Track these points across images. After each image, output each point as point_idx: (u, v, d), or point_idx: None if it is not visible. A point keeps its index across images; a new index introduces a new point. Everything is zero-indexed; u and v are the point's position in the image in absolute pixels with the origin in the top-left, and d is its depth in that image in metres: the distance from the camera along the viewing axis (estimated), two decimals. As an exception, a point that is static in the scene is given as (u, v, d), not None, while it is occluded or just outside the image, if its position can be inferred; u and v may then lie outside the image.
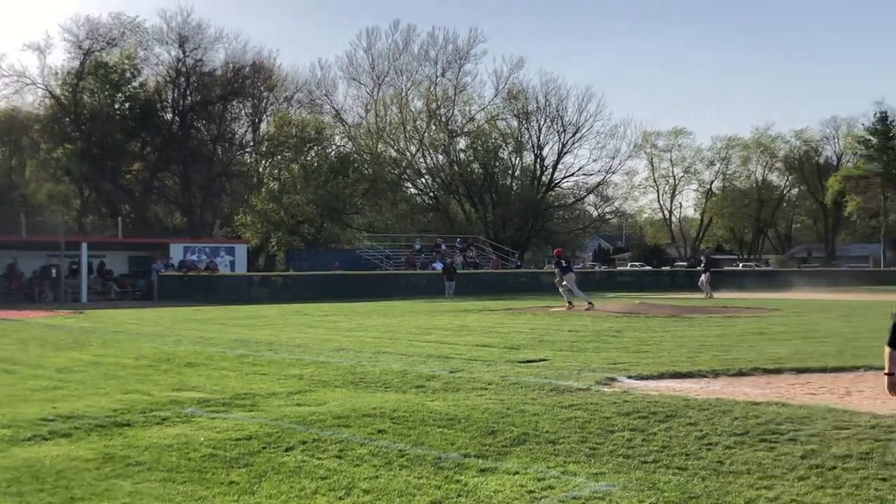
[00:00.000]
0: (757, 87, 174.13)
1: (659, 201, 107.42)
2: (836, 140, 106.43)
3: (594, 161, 79.92)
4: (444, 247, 54.65)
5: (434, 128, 75.20)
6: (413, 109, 76.91)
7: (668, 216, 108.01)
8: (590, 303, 27.71)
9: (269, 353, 15.28)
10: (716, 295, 37.91)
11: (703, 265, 42.89)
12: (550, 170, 78.86)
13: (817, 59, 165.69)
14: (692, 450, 7.40)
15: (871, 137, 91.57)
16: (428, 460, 7.18)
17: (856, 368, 12.35)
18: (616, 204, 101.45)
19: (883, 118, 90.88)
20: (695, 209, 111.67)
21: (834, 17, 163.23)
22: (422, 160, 77.05)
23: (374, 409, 9.35)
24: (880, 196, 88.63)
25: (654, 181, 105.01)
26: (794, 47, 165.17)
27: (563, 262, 30.60)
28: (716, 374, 11.98)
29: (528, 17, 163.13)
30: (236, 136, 71.21)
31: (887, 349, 6.08)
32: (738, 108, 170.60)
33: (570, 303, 28.30)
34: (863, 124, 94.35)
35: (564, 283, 28.98)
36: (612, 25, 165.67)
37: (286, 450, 7.65)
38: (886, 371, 6.10)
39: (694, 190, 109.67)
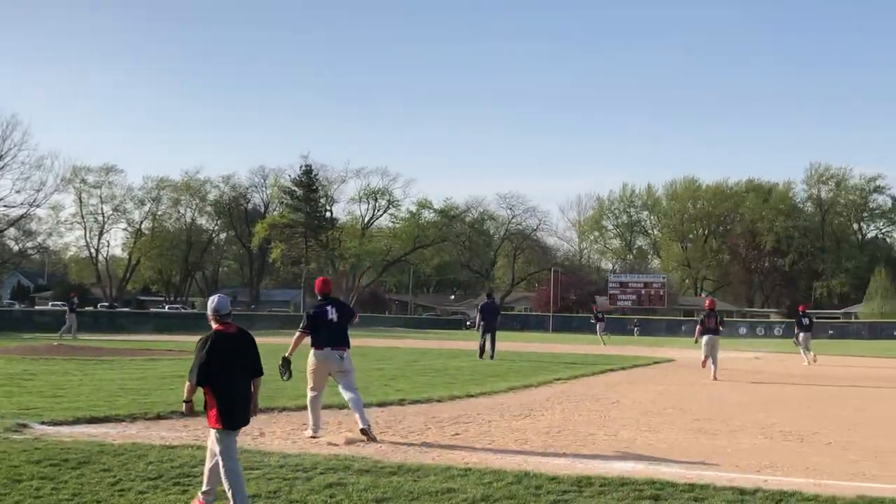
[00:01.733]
0: (193, 130, 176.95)
1: (86, 239, 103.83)
2: (264, 189, 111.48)
3: (17, 192, 75.23)
4: None
5: None
6: None
7: (94, 255, 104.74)
8: None
9: None
10: (139, 337, 37.36)
11: (71, 304, 40.08)
12: (-35, 200, 72.86)
13: (246, 107, 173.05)
14: (104, 496, 7.14)
15: (297, 189, 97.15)
16: None
17: (271, 409, 12.80)
18: (39, 239, 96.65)
19: (308, 171, 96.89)
20: (123, 249, 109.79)
21: (254, 68, 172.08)
22: None
23: None
24: (302, 244, 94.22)
25: (82, 217, 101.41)
26: (226, 91, 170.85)
27: None
28: (134, 419, 11.72)
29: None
30: None
31: (188, 384, 6.83)
32: (174, 150, 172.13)
33: None
34: (289, 175, 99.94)
35: None
36: (45, 52, 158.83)
37: None
38: (185, 399, 6.96)
39: (123, 229, 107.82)
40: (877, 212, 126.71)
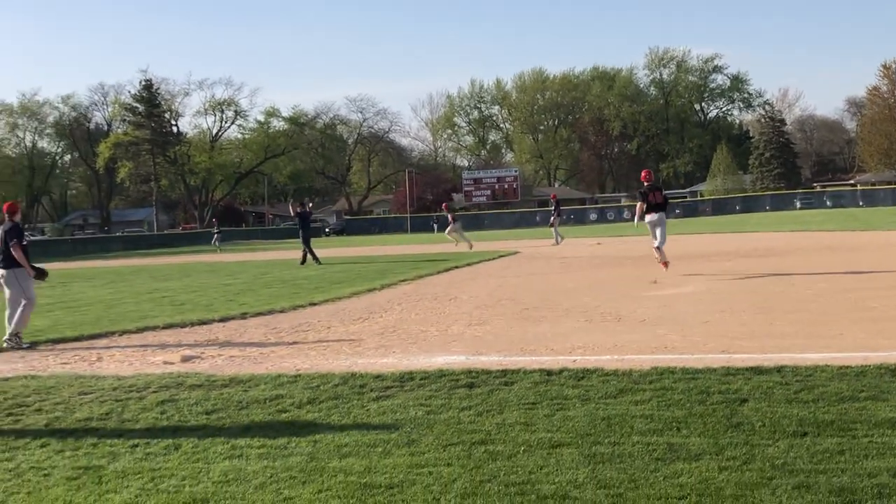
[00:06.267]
0: (24, 51, 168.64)
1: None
2: (105, 107, 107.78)
3: None
4: None
5: None
6: None
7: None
8: None
9: None
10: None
11: None
12: None
13: (79, 24, 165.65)
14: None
15: (139, 105, 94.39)
16: None
17: (111, 333, 12.92)
18: None
19: (148, 86, 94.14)
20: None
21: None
22: None
23: None
24: (150, 162, 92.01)
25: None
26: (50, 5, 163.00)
27: None
28: (-32, 354, 11.71)
29: None
30: None
31: None
32: (6, 72, 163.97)
33: None
34: (129, 91, 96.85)
35: None
36: None
37: None
38: None
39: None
40: (716, 91, 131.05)
